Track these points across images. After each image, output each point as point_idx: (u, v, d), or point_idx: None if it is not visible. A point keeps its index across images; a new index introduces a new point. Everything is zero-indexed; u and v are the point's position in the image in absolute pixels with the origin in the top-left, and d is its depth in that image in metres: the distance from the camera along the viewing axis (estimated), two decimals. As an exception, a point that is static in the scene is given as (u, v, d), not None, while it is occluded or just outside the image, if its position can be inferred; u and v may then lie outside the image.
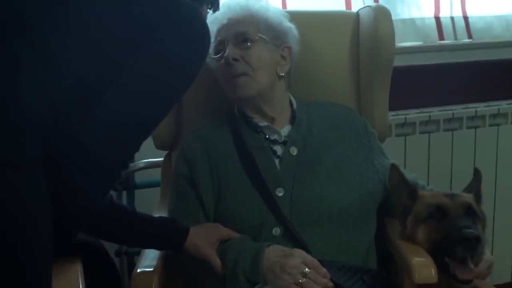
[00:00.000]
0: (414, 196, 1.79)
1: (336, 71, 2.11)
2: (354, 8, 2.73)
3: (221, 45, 1.88)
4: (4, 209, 1.23)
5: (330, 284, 1.63)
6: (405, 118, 2.71)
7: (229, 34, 1.86)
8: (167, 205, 1.91)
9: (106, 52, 1.35)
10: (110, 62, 1.35)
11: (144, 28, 1.36)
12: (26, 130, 1.26)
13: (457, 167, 2.74)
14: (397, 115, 2.71)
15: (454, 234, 1.64)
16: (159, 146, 2.09)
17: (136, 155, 2.31)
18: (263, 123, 1.89)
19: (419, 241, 1.74)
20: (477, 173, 1.86)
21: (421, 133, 2.75)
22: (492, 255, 1.79)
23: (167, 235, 1.73)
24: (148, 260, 1.77)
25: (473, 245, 1.62)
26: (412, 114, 2.74)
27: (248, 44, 1.85)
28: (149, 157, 2.35)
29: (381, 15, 2.00)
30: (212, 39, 1.89)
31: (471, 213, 1.73)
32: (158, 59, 1.37)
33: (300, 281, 1.60)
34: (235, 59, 1.83)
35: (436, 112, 2.77)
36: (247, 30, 1.85)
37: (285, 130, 1.88)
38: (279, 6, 2.68)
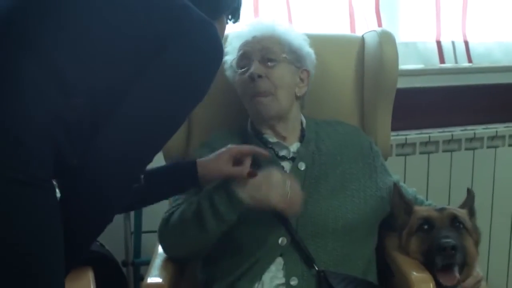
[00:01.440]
0: (410, 211, 1.88)
1: (341, 92, 2.18)
2: (358, 31, 2.82)
3: (245, 60, 1.94)
4: (15, 227, 1.23)
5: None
6: (406, 139, 2.78)
7: (255, 50, 1.93)
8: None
9: (117, 68, 1.35)
10: (121, 78, 1.35)
11: (155, 43, 1.36)
12: (37, 148, 1.25)
13: (455, 187, 2.80)
14: (398, 135, 2.77)
15: (434, 244, 1.73)
16: (169, 159, 2.11)
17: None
18: (273, 139, 1.95)
19: (411, 252, 1.84)
20: (469, 192, 1.95)
21: (421, 153, 2.81)
22: (487, 273, 1.86)
23: (180, 174, 1.75)
24: (157, 270, 1.83)
25: (450, 253, 1.71)
26: (412, 135, 2.81)
27: (273, 63, 1.91)
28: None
29: (386, 39, 2.07)
30: (235, 54, 1.97)
31: (458, 224, 1.81)
32: (168, 74, 1.37)
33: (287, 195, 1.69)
34: (260, 76, 1.89)
35: (436, 133, 2.83)
36: (273, 48, 1.92)
37: (294, 146, 1.95)
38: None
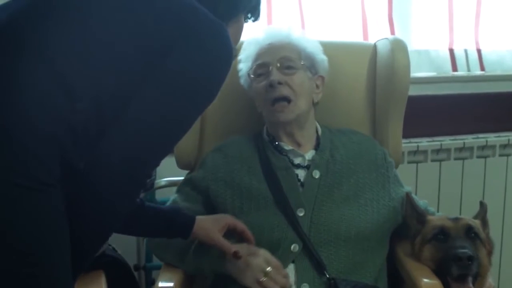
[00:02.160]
0: (423, 220, 1.88)
1: (353, 99, 2.19)
2: (371, 38, 2.83)
3: (263, 68, 1.95)
4: (19, 231, 1.23)
5: (289, 284, 1.73)
6: (418, 146, 2.78)
7: (273, 58, 1.94)
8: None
9: (124, 72, 1.34)
10: (128, 82, 1.33)
11: (162, 46, 1.34)
12: (41, 152, 1.24)
13: (467, 195, 2.80)
14: (410, 142, 2.78)
15: (450, 254, 1.74)
16: (182, 165, 2.13)
17: (158, 173, 2.43)
18: (288, 147, 1.96)
19: (424, 259, 1.85)
20: (482, 205, 1.95)
21: (433, 161, 2.81)
22: (498, 282, 1.86)
23: (176, 223, 1.73)
24: (168, 274, 1.84)
25: (466, 264, 1.71)
26: (424, 143, 2.81)
27: (292, 70, 1.93)
28: (170, 175, 2.40)
29: (398, 47, 2.08)
30: (250, 61, 1.98)
31: (473, 235, 1.82)
32: (176, 77, 1.35)
33: (261, 279, 1.69)
34: (280, 83, 1.90)
35: (448, 141, 2.84)
36: (291, 56, 1.94)
37: (309, 154, 1.96)
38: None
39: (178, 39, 1.35)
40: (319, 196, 1.86)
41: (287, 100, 1.91)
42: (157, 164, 1.42)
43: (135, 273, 2.50)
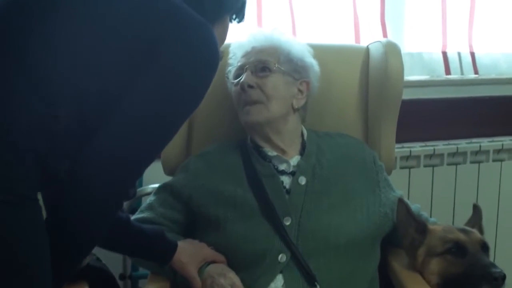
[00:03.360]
0: (423, 230, 1.82)
1: (345, 103, 2.13)
2: (363, 41, 2.78)
3: (240, 71, 1.91)
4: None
5: None
6: (410, 151, 2.74)
7: (249, 61, 1.90)
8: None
9: (107, 76, 1.31)
10: (112, 86, 1.31)
11: (147, 47, 1.31)
12: (19, 165, 1.22)
13: (460, 201, 2.76)
14: (402, 147, 2.74)
15: (480, 272, 1.68)
16: (168, 171, 2.08)
17: (144, 180, 2.38)
18: (272, 153, 1.90)
19: (429, 273, 1.78)
20: (476, 208, 1.90)
21: (425, 166, 2.77)
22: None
23: (156, 248, 1.73)
24: (154, 284, 1.80)
25: (501, 284, 1.66)
26: (417, 148, 2.77)
27: (266, 73, 1.87)
28: (157, 182, 2.34)
29: (391, 50, 2.03)
30: (236, 64, 1.94)
31: (486, 249, 1.76)
32: (161, 78, 1.32)
33: None
34: (250, 86, 1.86)
35: (441, 146, 2.80)
36: (267, 59, 1.89)
37: (294, 160, 1.90)
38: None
39: (163, 41, 1.32)
40: (306, 203, 1.81)
41: (258, 102, 1.86)
42: (142, 172, 1.38)
43: (121, 282, 2.46)
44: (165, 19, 1.35)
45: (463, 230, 1.81)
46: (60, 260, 1.31)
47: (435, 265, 1.77)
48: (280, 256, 1.75)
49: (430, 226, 1.84)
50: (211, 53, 1.38)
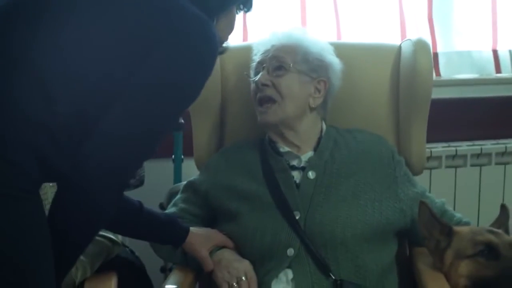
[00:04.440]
0: (448, 232, 1.80)
1: (376, 102, 2.12)
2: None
3: (258, 68, 1.94)
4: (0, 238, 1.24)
5: None
6: (456, 150, 2.72)
7: (267, 59, 1.92)
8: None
9: (105, 74, 1.33)
10: (110, 83, 1.33)
11: (144, 47, 1.33)
12: (19, 159, 1.25)
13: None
14: (449, 146, 2.73)
15: None
16: (201, 166, 2.10)
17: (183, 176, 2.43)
18: (284, 149, 1.93)
19: (459, 275, 1.74)
20: (504, 208, 1.86)
21: (472, 165, 2.76)
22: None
23: (169, 232, 1.78)
24: (175, 277, 1.86)
25: None
26: (464, 147, 2.76)
27: (281, 72, 1.89)
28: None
29: (420, 48, 2.01)
30: (255, 61, 1.97)
31: None
32: (158, 77, 1.35)
33: (233, 283, 1.74)
34: (265, 85, 1.88)
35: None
36: (283, 58, 1.90)
37: (306, 156, 1.92)
38: (334, 37, 2.74)
39: (159, 39, 1.34)
40: (315, 197, 1.83)
41: (272, 100, 1.88)
42: (139, 166, 1.44)
43: (162, 275, 2.51)
44: (161, 18, 1.36)
45: (491, 231, 1.78)
46: (62, 252, 1.35)
47: (464, 268, 1.74)
48: (288, 250, 1.77)
49: (456, 228, 1.81)
50: (208, 46, 1.39)
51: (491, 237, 1.75)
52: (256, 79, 1.91)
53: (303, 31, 2.02)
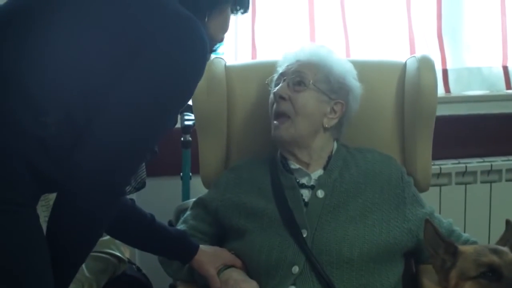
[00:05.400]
0: (453, 251, 1.79)
1: (381, 119, 2.12)
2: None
3: (279, 80, 1.95)
4: None
5: None
6: (466, 167, 2.72)
7: (289, 71, 1.93)
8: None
9: (91, 82, 1.33)
10: (98, 88, 1.32)
11: (130, 52, 1.33)
12: (8, 172, 1.26)
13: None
14: (459, 163, 2.73)
15: None
16: (208, 185, 2.12)
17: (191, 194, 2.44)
18: (295, 166, 1.93)
19: None
20: (509, 225, 1.84)
21: (482, 182, 2.75)
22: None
23: (179, 247, 1.79)
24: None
25: None
26: (474, 163, 2.76)
27: (301, 87, 1.90)
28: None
29: (425, 65, 2.01)
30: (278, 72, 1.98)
31: None
32: (148, 74, 1.34)
33: None
34: (282, 98, 1.89)
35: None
36: (304, 74, 1.91)
37: (315, 174, 1.92)
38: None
39: (145, 42, 1.34)
40: (323, 216, 1.83)
41: (286, 116, 1.89)
42: (132, 172, 1.42)
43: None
44: (147, 17, 1.36)
45: (495, 251, 1.76)
46: (62, 261, 1.36)
47: None
48: (293, 268, 1.77)
49: (461, 248, 1.80)
50: (195, 44, 1.38)
51: (494, 259, 1.73)
52: (275, 90, 1.91)
53: (330, 51, 2.02)
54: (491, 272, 1.70)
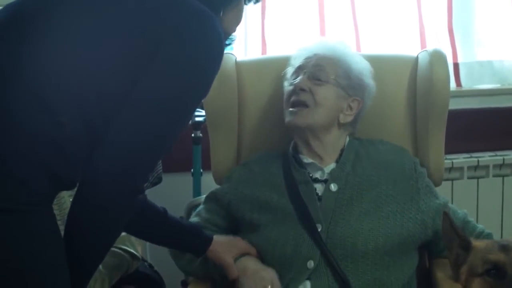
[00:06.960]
0: (467, 246, 1.78)
1: (393, 113, 2.12)
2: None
3: (297, 73, 1.94)
4: (7, 254, 1.24)
5: None
6: (478, 161, 2.71)
7: (308, 65, 1.93)
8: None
9: (107, 82, 1.31)
10: (114, 89, 1.31)
11: (147, 52, 1.32)
12: (25, 175, 1.24)
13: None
14: (471, 157, 2.72)
15: None
16: (219, 181, 2.11)
17: (202, 189, 2.44)
18: (307, 160, 1.93)
19: None
20: None
21: (494, 176, 2.75)
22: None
23: (193, 240, 1.78)
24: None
25: None
26: (486, 157, 2.75)
27: (321, 81, 1.90)
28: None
29: (437, 59, 2.00)
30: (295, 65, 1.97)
31: None
32: (166, 74, 1.33)
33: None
34: (303, 89, 1.89)
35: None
36: (326, 68, 1.91)
37: (328, 168, 1.92)
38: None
39: (162, 40, 1.33)
40: (337, 209, 1.83)
41: (305, 105, 1.88)
42: (151, 170, 1.42)
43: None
44: (162, 14, 1.35)
45: (504, 248, 1.75)
46: (80, 263, 1.35)
47: (476, 286, 1.73)
48: (308, 262, 1.77)
49: (474, 243, 1.79)
50: (213, 42, 1.38)
51: (500, 256, 1.72)
52: (296, 81, 1.91)
53: (347, 46, 2.03)
54: (496, 270, 1.69)
